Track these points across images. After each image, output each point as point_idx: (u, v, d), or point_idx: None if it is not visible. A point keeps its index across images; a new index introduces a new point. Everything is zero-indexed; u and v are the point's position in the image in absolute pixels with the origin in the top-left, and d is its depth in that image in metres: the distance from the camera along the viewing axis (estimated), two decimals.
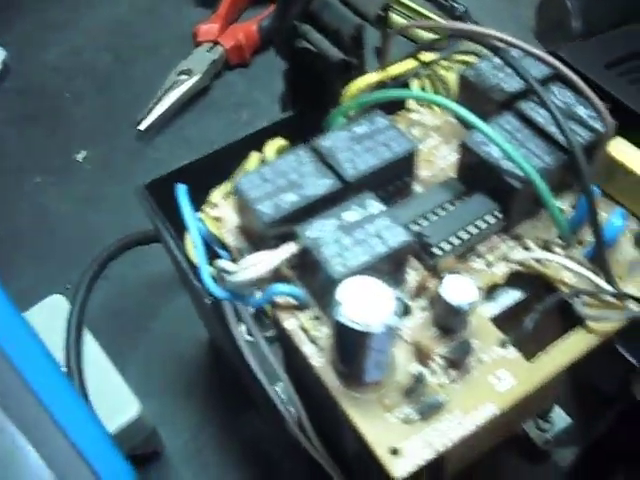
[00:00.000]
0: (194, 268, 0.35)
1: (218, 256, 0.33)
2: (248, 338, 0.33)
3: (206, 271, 0.31)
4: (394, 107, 0.37)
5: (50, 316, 0.47)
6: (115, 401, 0.44)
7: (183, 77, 0.65)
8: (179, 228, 0.37)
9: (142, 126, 0.63)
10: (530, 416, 0.40)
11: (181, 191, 0.33)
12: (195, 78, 0.65)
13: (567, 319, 0.31)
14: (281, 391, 0.42)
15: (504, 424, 0.36)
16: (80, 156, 0.63)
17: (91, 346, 0.46)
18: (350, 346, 0.25)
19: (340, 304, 0.24)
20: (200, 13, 0.74)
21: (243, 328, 0.35)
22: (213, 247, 0.33)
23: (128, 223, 0.52)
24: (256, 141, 0.36)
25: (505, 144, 0.28)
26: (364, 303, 0.24)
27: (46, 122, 0.66)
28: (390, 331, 0.24)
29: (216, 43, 0.68)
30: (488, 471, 0.44)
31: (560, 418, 0.45)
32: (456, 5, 0.68)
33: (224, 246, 0.33)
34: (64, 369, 0.43)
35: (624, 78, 0.42)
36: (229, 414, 0.49)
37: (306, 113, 0.42)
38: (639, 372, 0.35)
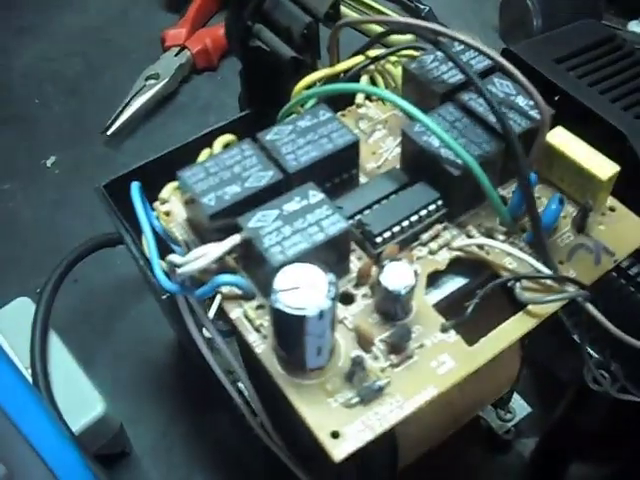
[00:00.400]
0: (150, 264, 0.36)
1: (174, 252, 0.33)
2: (206, 334, 0.34)
3: (157, 265, 0.31)
4: (345, 104, 0.37)
5: (16, 318, 0.48)
6: (80, 400, 0.44)
7: (151, 82, 0.66)
8: (139, 227, 0.37)
9: (110, 131, 0.63)
10: (484, 406, 0.41)
11: (134, 188, 0.33)
12: (162, 82, 0.66)
13: (513, 304, 0.32)
14: (242, 387, 0.43)
15: (458, 414, 0.36)
16: (49, 161, 0.64)
17: (57, 347, 0.46)
18: (289, 332, 0.25)
19: (276, 291, 0.25)
20: (169, 18, 0.75)
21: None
22: (168, 243, 0.34)
23: (97, 227, 0.52)
24: (212, 139, 0.37)
25: (443, 133, 0.29)
26: (300, 289, 0.25)
27: (15, 128, 0.66)
28: (325, 315, 0.24)
29: (183, 47, 0.69)
30: (452, 462, 0.45)
31: (521, 408, 0.46)
32: (420, 5, 0.69)
33: (178, 242, 0.33)
34: (29, 369, 0.43)
35: (573, 72, 0.43)
36: (197, 414, 0.50)
37: (261, 111, 0.42)
38: (587, 363, 0.36)
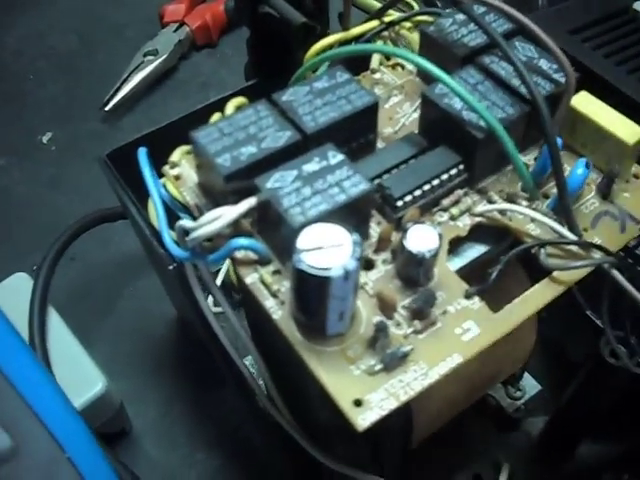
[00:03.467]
0: (157, 234, 0.35)
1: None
2: (213, 308, 0.33)
3: (166, 232, 0.30)
4: (358, 69, 0.36)
5: (14, 294, 0.47)
6: (81, 377, 0.43)
7: (149, 58, 0.65)
8: (142, 198, 0.36)
9: (108, 107, 0.62)
10: (499, 380, 0.40)
11: (142, 154, 0.32)
12: (161, 59, 0.65)
13: (534, 272, 0.31)
14: (249, 363, 0.42)
15: (474, 388, 0.36)
16: (45, 138, 0.62)
17: (56, 323, 0.45)
18: (311, 294, 0.24)
19: (299, 251, 0.24)
20: None
21: (210, 299, 0.35)
22: (176, 212, 0.33)
23: (95, 203, 0.51)
24: (218, 108, 0.36)
25: (467, 95, 0.28)
26: (323, 249, 0.24)
27: (10, 104, 0.65)
28: (349, 276, 0.23)
29: (182, 23, 0.67)
30: (459, 440, 0.44)
31: (531, 386, 0.45)
32: None
33: (186, 210, 0.32)
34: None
35: (588, 44, 0.42)
36: (198, 391, 0.49)
37: (269, 80, 0.41)
38: (606, 335, 0.35)
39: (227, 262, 0.45)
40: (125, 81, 0.63)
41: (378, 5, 0.46)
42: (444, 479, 0.41)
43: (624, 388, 0.37)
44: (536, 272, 0.29)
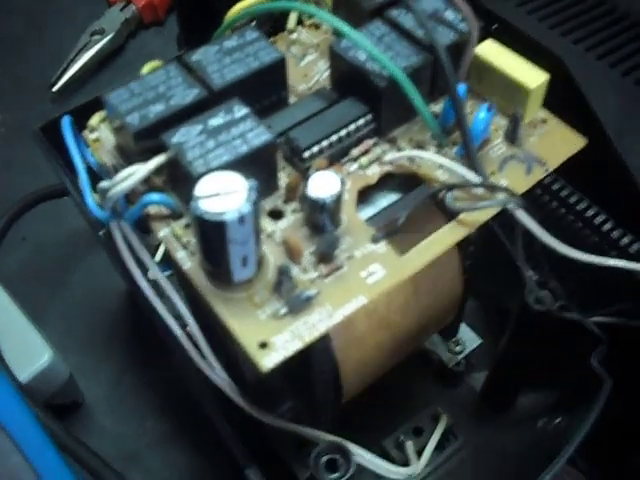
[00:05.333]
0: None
1: None
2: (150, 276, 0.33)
3: (89, 195, 0.31)
4: (276, 30, 0.37)
5: None
6: (27, 350, 0.44)
7: (96, 37, 0.65)
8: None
9: (56, 87, 0.62)
10: (430, 332, 0.41)
11: (65, 121, 0.32)
12: (108, 37, 0.65)
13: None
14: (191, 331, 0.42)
15: (402, 339, 0.36)
16: None
17: (1, 299, 0.46)
18: (211, 240, 0.25)
19: (196, 198, 0.24)
20: None
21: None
22: (103, 178, 0.33)
23: (47, 183, 0.52)
24: None
25: (368, 45, 0.29)
26: (220, 195, 0.24)
27: None
28: (246, 219, 0.24)
29: (129, 2, 0.68)
30: (403, 396, 0.45)
31: (471, 340, 0.46)
32: None
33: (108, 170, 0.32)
34: None
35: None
36: (148, 361, 0.49)
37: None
38: (526, 280, 0.36)
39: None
40: (72, 61, 0.63)
41: None
42: (384, 432, 0.42)
43: (554, 333, 0.38)
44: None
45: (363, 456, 0.33)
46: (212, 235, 0.25)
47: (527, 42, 0.37)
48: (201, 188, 0.25)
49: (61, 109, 0.61)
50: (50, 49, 0.67)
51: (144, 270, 0.34)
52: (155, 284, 0.33)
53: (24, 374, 0.42)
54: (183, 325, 0.35)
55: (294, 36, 0.36)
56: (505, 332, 0.40)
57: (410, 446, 0.40)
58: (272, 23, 0.40)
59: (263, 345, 0.25)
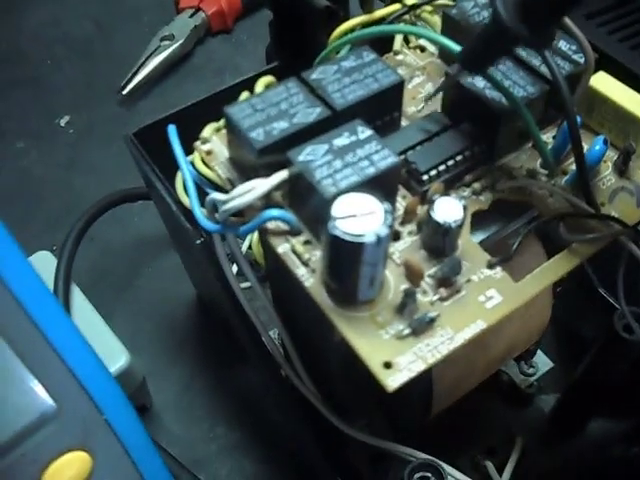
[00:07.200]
0: (184, 210, 0.36)
1: None
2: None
3: (197, 205, 0.32)
4: (380, 51, 0.37)
5: (38, 271, 0.47)
6: (104, 351, 0.44)
7: (165, 43, 0.66)
8: (168, 176, 0.37)
9: (125, 91, 0.63)
10: (514, 354, 0.41)
11: (171, 131, 0.33)
12: (177, 44, 0.66)
13: (550, 248, 0.32)
14: (274, 335, 0.43)
15: (491, 360, 0.37)
16: (63, 121, 0.63)
17: (79, 300, 0.46)
18: (344, 261, 0.25)
19: (334, 219, 0.25)
20: None
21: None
22: (204, 188, 0.34)
23: (112, 185, 0.53)
24: (242, 89, 0.37)
25: (491, 74, 0.29)
26: (356, 217, 0.25)
27: (27, 89, 0.66)
28: (381, 242, 0.25)
29: (198, 9, 0.68)
30: (473, 416, 0.45)
31: (543, 363, 0.46)
32: None
33: (213, 186, 0.33)
34: None
35: (602, 28, 0.43)
36: (218, 367, 0.50)
37: (291, 63, 0.42)
38: (621, 308, 0.36)
39: (247, 241, 0.46)
40: (142, 65, 0.64)
41: None
42: (459, 451, 0.42)
43: (636, 362, 0.38)
44: (553, 248, 0.31)
45: (454, 476, 0.34)
46: (346, 255, 0.25)
47: (629, 76, 0.37)
48: (338, 209, 0.25)
49: (129, 113, 0.63)
50: (117, 53, 0.68)
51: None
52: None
53: None
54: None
55: (400, 57, 0.36)
56: (580, 360, 0.41)
57: (491, 467, 0.40)
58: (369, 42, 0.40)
59: (387, 365, 0.26)
